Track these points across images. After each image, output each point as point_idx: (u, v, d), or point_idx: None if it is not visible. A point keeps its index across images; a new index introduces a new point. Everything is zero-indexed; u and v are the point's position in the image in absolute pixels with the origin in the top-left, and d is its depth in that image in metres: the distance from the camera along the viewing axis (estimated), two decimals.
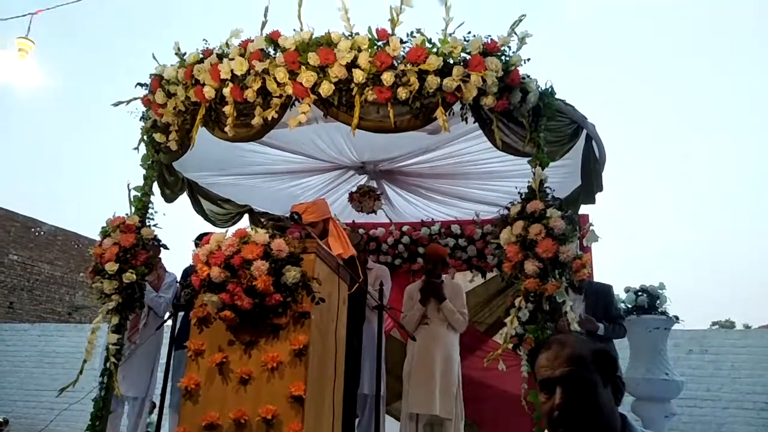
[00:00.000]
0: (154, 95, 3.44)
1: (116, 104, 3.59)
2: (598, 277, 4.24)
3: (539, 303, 2.97)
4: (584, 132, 3.60)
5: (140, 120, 3.68)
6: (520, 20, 3.05)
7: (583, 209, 4.26)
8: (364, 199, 4.62)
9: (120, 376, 3.39)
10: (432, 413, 3.83)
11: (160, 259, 3.80)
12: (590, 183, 3.83)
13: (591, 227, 3.33)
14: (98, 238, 3.48)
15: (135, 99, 3.59)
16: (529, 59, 3.05)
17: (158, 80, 3.42)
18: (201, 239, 2.83)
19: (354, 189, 4.72)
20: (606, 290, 3.89)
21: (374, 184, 4.84)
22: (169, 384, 3.35)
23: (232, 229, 2.75)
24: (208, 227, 4.65)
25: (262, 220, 5.05)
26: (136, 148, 3.70)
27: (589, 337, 2.98)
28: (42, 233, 13.16)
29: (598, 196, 3.96)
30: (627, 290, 4.65)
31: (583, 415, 1.21)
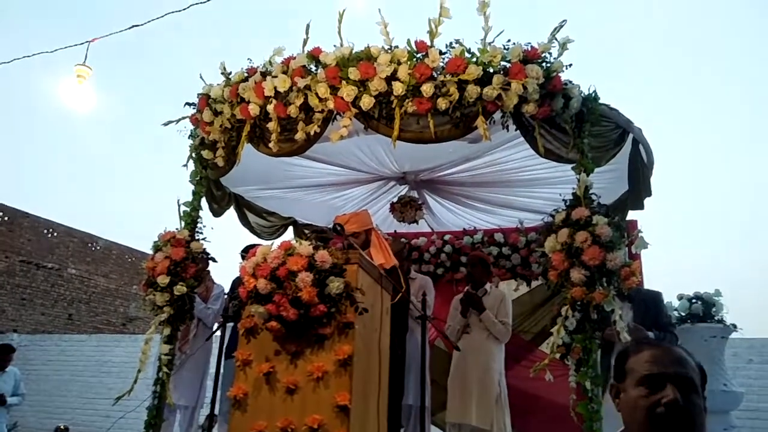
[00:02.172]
0: (202, 114, 3.56)
1: (166, 124, 3.73)
2: (648, 285, 4.11)
3: (586, 312, 2.90)
4: (630, 136, 3.51)
5: (189, 138, 3.81)
6: (561, 26, 3.02)
7: (632, 215, 4.15)
8: (405, 209, 4.63)
9: (171, 385, 3.49)
10: (467, 422, 3.80)
11: (208, 271, 3.91)
12: (638, 188, 3.73)
13: (640, 233, 3.24)
14: (150, 252, 3.61)
15: (184, 118, 3.72)
16: (571, 65, 3.01)
17: (205, 99, 3.54)
18: (248, 251, 2.90)
19: (395, 199, 4.75)
20: (655, 297, 3.77)
21: (415, 194, 4.85)
22: (219, 393, 3.44)
23: (277, 242, 2.81)
24: (254, 240, 4.77)
25: (306, 231, 5.13)
26: (185, 165, 3.84)
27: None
28: (98, 248, 13.77)
29: (648, 201, 3.85)
30: (680, 297, 4.49)
31: (689, 418, 1.16)
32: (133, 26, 5.57)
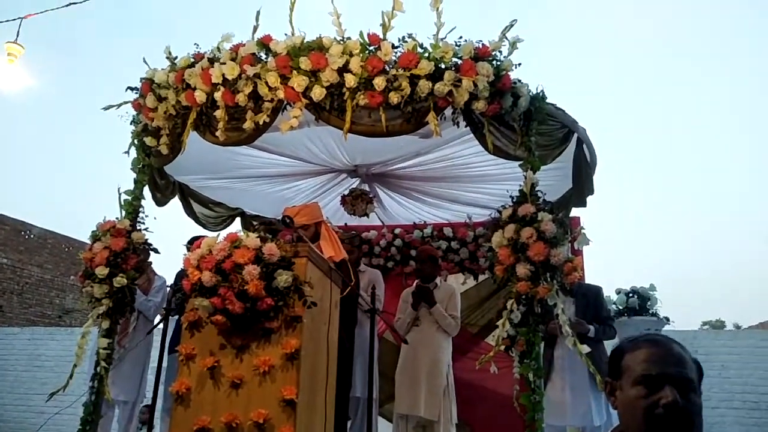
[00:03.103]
0: (145, 99, 3.42)
1: (106, 108, 3.57)
2: (588, 279, 4.27)
3: (531, 305, 2.99)
4: (575, 136, 3.62)
5: (131, 124, 3.66)
6: (512, 25, 3.07)
7: (574, 212, 4.30)
8: (356, 202, 4.62)
9: (110, 380, 3.37)
10: (417, 414, 3.86)
11: (150, 262, 3.78)
12: (581, 186, 3.85)
13: (582, 230, 3.36)
14: (89, 242, 3.47)
15: (125, 103, 3.57)
16: (520, 64, 3.08)
17: (149, 84, 3.41)
18: (193, 243, 2.82)
19: (346, 192, 4.73)
20: (596, 292, 3.92)
21: (366, 187, 4.84)
22: (161, 388, 3.34)
23: (224, 233, 2.75)
24: (199, 231, 4.65)
25: (254, 223, 5.04)
26: (127, 152, 3.69)
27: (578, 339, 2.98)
28: (32, 236, 13.07)
29: (589, 199, 3.98)
30: (618, 292, 4.70)
31: (688, 418, 1.14)
32: (71, 3, 5.29)
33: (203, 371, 2.59)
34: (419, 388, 3.89)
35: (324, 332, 2.85)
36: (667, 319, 4.58)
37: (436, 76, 2.95)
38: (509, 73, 3.04)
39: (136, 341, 3.74)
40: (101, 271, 3.28)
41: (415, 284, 4.19)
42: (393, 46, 2.98)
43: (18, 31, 6.16)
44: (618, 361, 1.26)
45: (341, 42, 3.02)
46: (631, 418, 1.19)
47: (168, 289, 4.14)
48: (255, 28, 3.18)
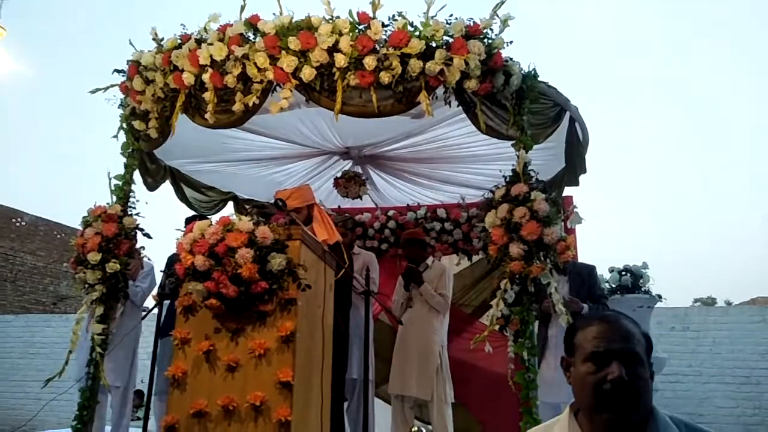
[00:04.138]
0: (132, 82, 3.37)
1: (93, 91, 3.51)
2: (581, 258, 4.29)
3: (524, 285, 3.00)
4: (567, 114, 3.60)
5: (119, 107, 3.61)
6: (502, 2, 3.04)
7: (567, 191, 4.29)
8: (349, 184, 4.60)
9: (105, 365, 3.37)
10: (409, 394, 3.90)
11: (142, 247, 3.76)
12: (574, 165, 3.85)
13: (575, 209, 3.37)
14: (80, 228, 3.44)
15: (113, 86, 3.52)
16: (511, 42, 3.04)
17: (135, 66, 3.35)
18: (189, 222, 2.81)
19: (339, 174, 4.70)
20: (589, 271, 3.94)
21: (359, 169, 4.82)
22: (156, 373, 3.35)
23: (216, 217, 2.73)
24: (191, 214, 4.61)
25: (247, 207, 5.02)
26: (116, 136, 3.64)
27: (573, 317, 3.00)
28: (23, 223, 12.98)
29: (582, 177, 3.98)
30: (611, 270, 4.72)
31: (634, 392, 1.19)
32: None
33: (199, 355, 2.59)
34: (411, 368, 3.92)
35: (319, 315, 2.85)
36: (660, 297, 4.62)
37: (427, 54, 2.92)
38: (501, 51, 3.01)
39: (123, 326, 3.73)
40: (94, 257, 3.26)
41: (406, 266, 4.20)
42: (383, 25, 2.94)
43: None
44: (571, 339, 1.33)
45: (330, 21, 2.98)
46: (582, 393, 1.25)
47: (155, 274, 4.13)
48: (242, 8, 3.13)
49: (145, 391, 3.60)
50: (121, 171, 3.61)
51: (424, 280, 4.03)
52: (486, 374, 4.50)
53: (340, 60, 2.92)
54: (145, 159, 3.83)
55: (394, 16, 2.97)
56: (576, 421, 1.30)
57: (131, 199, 3.59)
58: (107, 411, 3.96)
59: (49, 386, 3.40)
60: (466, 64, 2.91)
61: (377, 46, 2.93)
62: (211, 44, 3.08)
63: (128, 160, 3.64)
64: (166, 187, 4.35)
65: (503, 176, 3.19)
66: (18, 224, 12.88)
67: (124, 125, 3.62)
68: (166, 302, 3.62)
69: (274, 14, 3.05)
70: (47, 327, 9.30)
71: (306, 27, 2.98)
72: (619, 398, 1.19)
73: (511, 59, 3.10)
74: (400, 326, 4.02)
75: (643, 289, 4.56)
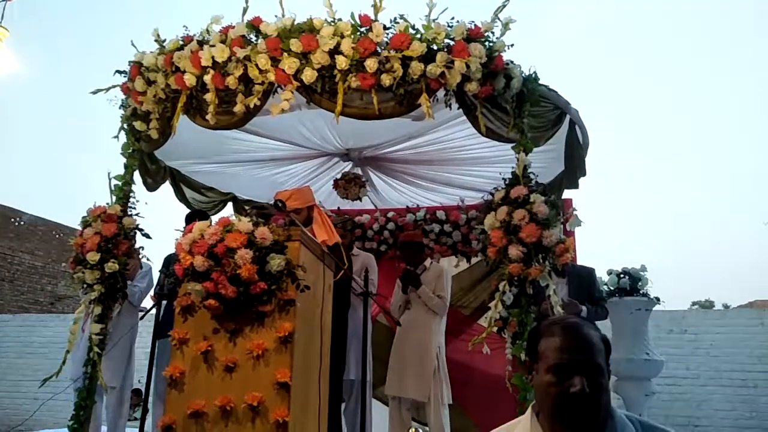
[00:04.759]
0: (134, 83, 3.38)
1: (95, 92, 3.52)
2: (580, 260, 4.30)
3: (523, 287, 3.00)
4: (567, 117, 3.61)
5: (120, 108, 3.62)
6: (504, 6, 3.05)
7: (567, 194, 4.30)
8: (349, 186, 4.61)
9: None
10: (406, 396, 3.90)
11: (141, 248, 3.76)
12: (573, 168, 3.86)
13: (574, 212, 3.38)
14: (79, 228, 3.44)
15: (114, 87, 3.53)
16: (512, 45, 3.05)
17: (137, 67, 3.36)
18: (191, 219, 2.81)
19: (339, 176, 4.71)
20: (588, 273, 3.95)
21: (359, 170, 4.82)
22: (154, 373, 3.34)
23: (216, 218, 2.73)
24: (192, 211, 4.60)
25: (246, 207, 5.02)
26: (116, 137, 3.65)
27: None
28: (22, 223, 12.97)
29: (582, 180, 3.99)
30: (609, 273, 4.72)
31: (595, 402, 1.23)
32: None
33: (197, 355, 2.59)
34: (408, 370, 3.93)
35: (317, 316, 2.86)
36: (658, 300, 4.62)
37: (428, 57, 2.93)
38: (502, 54, 3.02)
39: (120, 326, 3.73)
40: (92, 257, 3.26)
41: (404, 269, 4.21)
42: (385, 28, 2.95)
43: (2, 14, 6.04)
44: (535, 345, 1.35)
45: (332, 23, 2.99)
46: (544, 401, 1.30)
47: (152, 274, 4.13)
48: (245, 10, 3.14)
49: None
50: (121, 171, 3.62)
51: (422, 282, 4.04)
52: (484, 376, 4.50)
53: (342, 62, 2.93)
54: (146, 159, 3.83)
55: (395, 18, 2.98)
56: (538, 421, 1.34)
57: (131, 200, 3.59)
58: (102, 411, 3.96)
59: (46, 386, 3.39)
60: (467, 67, 2.92)
61: (379, 49, 2.94)
62: (213, 46, 3.09)
63: (128, 161, 3.65)
64: (165, 187, 4.35)
65: (503, 178, 3.20)
66: (17, 224, 12.87)
67: (125, 126, 3.62)
68: (164, 302, 3.62)
69: (276, 16, 3.06)
70: (44, 327, 9.29)
71: (308, 29, 2.99)
72: (580, 410, 1.23)
73: (511, 62, 3.11)
74: (398, 328, 4.03)
75: (641, 291, 4.56)
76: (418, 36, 2.95)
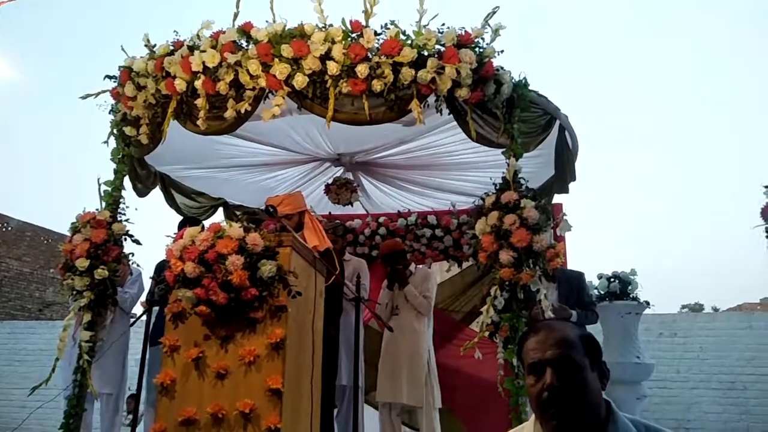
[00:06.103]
0: (124, 88, 3.37)
1: (84, 97, 3.50)
2: (570, 265, 4.32)
3: (514, 291, 3.01)
4: (557, 123, 3.64)
5: (109, 113, 3.60)
6: (494, 12, 3.07)
7: (557, 198, 4.33)
8: (340, 191, 4.61)
9: (92, 373, 3.34)
10: (399, 402, 3.90)
11: (131, 254, 3.73)
12: (563, 173, 3.88)
13: (564, 217, 3.40)
14: (68, 234, 3.41)
15: (104, 92, 3.51)
16: (502, 51, 3.08)
17: (127, 72, 3.35)
18: (184, 225, 2.80)
19: (330, 181, 4.71)
20: (578, 278, 3.97)
21: (350, 176, 4.83)
22: (145, 380, 3.32)
23: (207, 223, 2.72)
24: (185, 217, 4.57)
25: (237, 213, 5.00)
26: (106, 142, 3.63)
27: None
28: (10, 229, 12.83)
29: (571, 185, 4.02)
30: (600, 277, 4.75)
31: (572, 396, 1.22)
32: None
33: (188, 362, 2.57)
34: (400, 375, 3.93)
35: (309, 321, 2.85)
36: (648, 303, 4.65)
37: (419, 63, 2.95)
38: (492, 60, 3.04)
39: (113, 333, 3.70)
40: (82, 263, 3.23)
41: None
42: (375, 33, 2.96)
43: None
44: (520, 352, 1.36)
45: (323, 29, 2.99)
46: (531, 403, 1.30)
47: (142, 280, 4.11)
48: (235, 15, 3.14)
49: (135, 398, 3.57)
50: (111, 177, 3.60)
51: (409, 282, 4.06)
52: (475, 380, 4.50)
53: (333, 68, 2.93)
54: (136, 165, 3.81)
55: (386, 24, 2.99)
56: (538, 425, 1.34)
57: (121, 205, 3.57)
58: (94, 419, 3.91)
59: (36, 394, 3.36)
60: (458, 72, 2.94)
61: (369, 55, 2.95)
62: (204, 51, 3.08)
63: (118, 166, 3.62)
64: (155, 192, 4.33)
65: (493, 183, 3.21)
66: (4, 229, 12.73)
67: (115, 131, 3.60)
68: (155, 309, 3.60)
69: (267, 22, 3.06)
70: (33, 334, 9.17)
71: (299, 35, 2.99)
72: (556, 404, 1.22)
73: (502, 68, 3.13)
74: (386, 333, 4.03)
75: (631, 295, 4.59)
76: (409, 42, 2.97)
